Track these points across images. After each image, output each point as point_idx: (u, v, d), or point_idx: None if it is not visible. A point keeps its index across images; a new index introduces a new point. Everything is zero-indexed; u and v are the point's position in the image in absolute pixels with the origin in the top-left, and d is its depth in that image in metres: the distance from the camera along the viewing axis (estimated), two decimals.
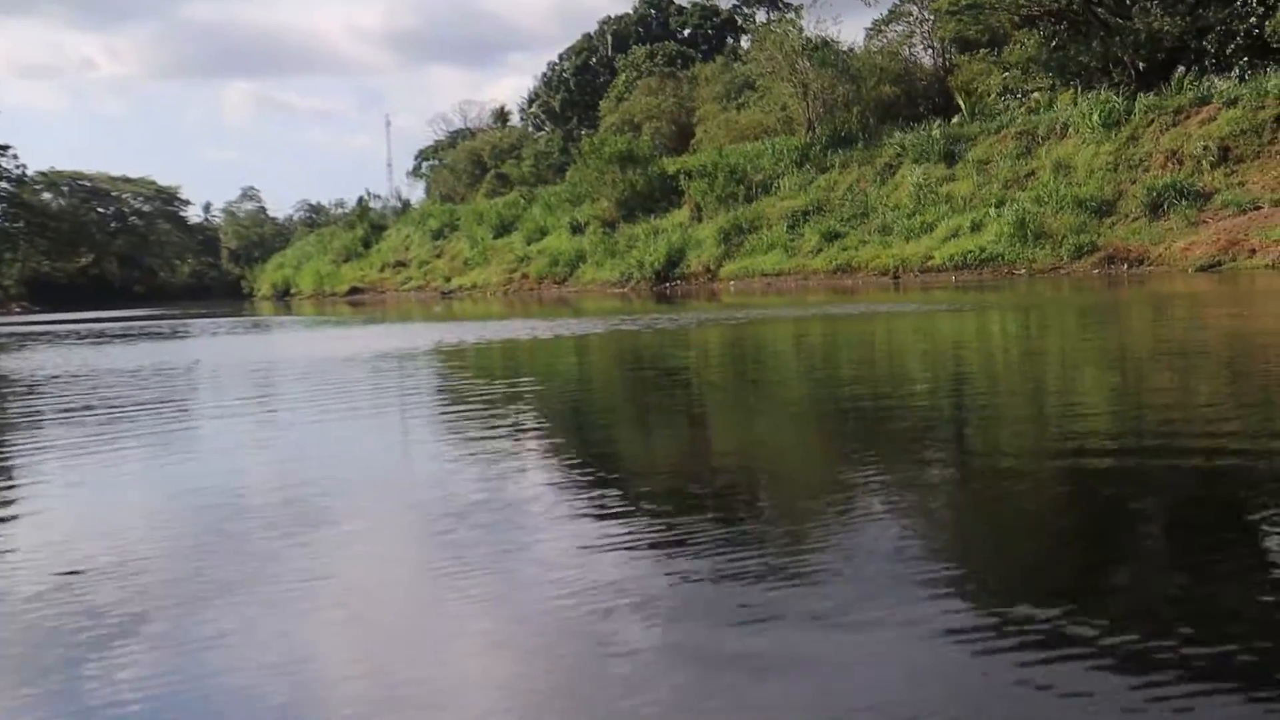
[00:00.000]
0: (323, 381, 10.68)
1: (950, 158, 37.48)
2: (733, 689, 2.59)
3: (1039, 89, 40.47)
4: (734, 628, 2.97)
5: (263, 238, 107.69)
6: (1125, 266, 27.39)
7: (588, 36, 78.23)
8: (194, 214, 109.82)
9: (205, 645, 3.04)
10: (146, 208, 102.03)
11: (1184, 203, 28.73)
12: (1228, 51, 35.77)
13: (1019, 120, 37.47)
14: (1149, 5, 36.75)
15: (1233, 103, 31.12)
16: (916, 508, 4.28)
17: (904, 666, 2.68)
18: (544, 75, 79.70)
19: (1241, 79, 32.89)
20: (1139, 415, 6.45)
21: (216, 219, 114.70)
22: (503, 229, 56.18)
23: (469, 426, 7.10)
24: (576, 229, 49.29)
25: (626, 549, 3.79)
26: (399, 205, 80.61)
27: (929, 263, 31.94)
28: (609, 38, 76.38)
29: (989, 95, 42.10)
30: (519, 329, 18.44)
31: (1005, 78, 41.90)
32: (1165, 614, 2.97)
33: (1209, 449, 5.07)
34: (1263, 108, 30.23)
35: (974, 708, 2.45)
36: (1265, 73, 32.41)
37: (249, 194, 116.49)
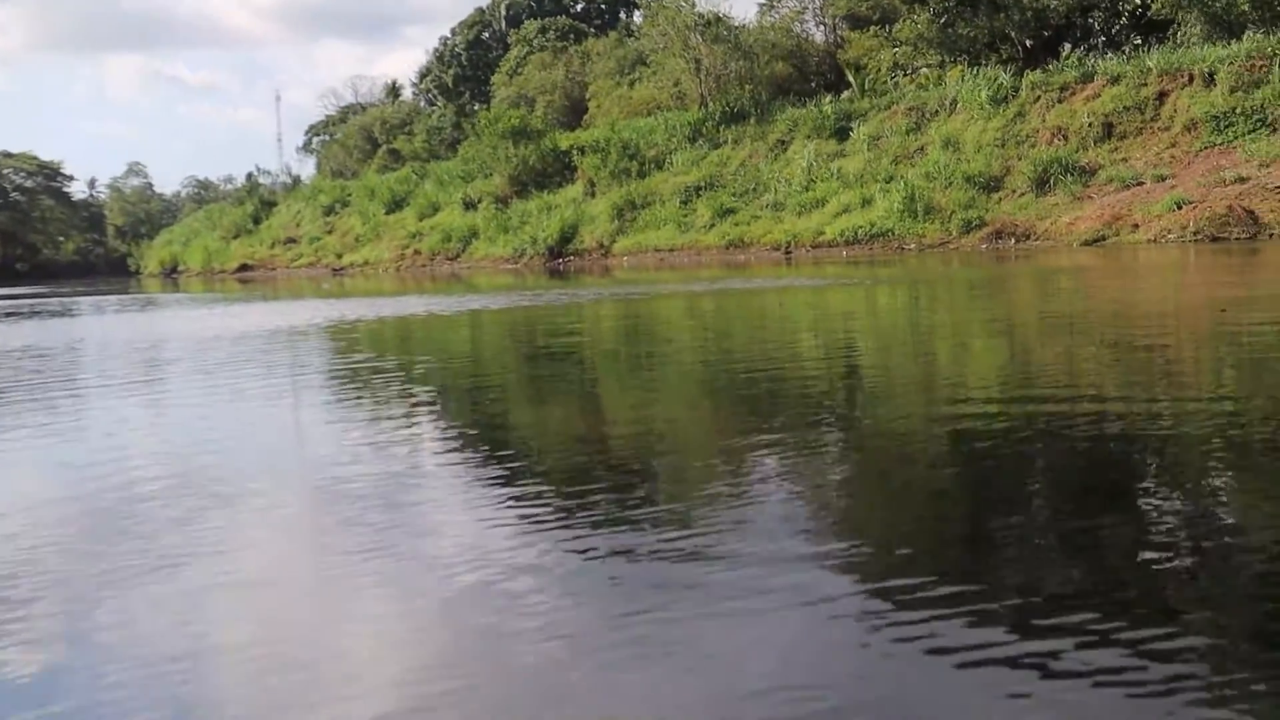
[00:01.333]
0: (214, 360, 10.38)
1: (842, 134, 37.75)
2: (627, 670, 2.53)
3: (929, 65, 40.87)
4: (630, 606, 2.90)
5: (149, 214, 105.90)
6: (1012, 241, 27.73)
7: (481, 10, 77.65)
8: (78, 190, 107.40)
9: (93, 633, 2.90)
10: (28, 183, 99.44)
11: (1069, 178, 29.16)
12: (1113, 29, 36.36)
13: (909, 96, 37.85)
14: None
15: (1116, 80, 31.61)
16: (811, 481, 4.22)
17: (801, 642, 2.63)
18: (436, 50, 79.01)
19: (1126, 57, 33.41)
20: (1026, 386, 6.45)
21: (102, 195, 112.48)
22: (395, 205, 55.72)
23: (363, 404, 6.94)
24: (469, 205, 48.97)
25: (522, 527, 3.69)
26: (289, 181, 79.50)
27: (820, 238, 32.11)
28: (503, 11, 75.85)
29: (880, 72, 42.42)
30: (412, 305, 18.19)
31: (896, 54, 42.23)
32: (1055, 581, 2.95)
33: (1092, 416, 5.09)
34: (1145, 85, 30.75)
35: (870, 682, 2.40)
36: (1149, 50, 32.97)
37: (135, 169, 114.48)
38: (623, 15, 74.89)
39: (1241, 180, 25.42)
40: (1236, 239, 23.11)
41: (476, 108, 65.01)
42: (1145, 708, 2.23)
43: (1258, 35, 29.88)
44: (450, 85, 74.82)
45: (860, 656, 2.53)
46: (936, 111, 35.82)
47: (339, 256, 55.11)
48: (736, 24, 47.39)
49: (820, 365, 7.92)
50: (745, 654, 2.59)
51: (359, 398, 7.26)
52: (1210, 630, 2.59)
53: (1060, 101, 32.39)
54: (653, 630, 2.73)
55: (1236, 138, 27.73)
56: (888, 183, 32.61)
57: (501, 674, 2.56)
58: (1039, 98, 32.96)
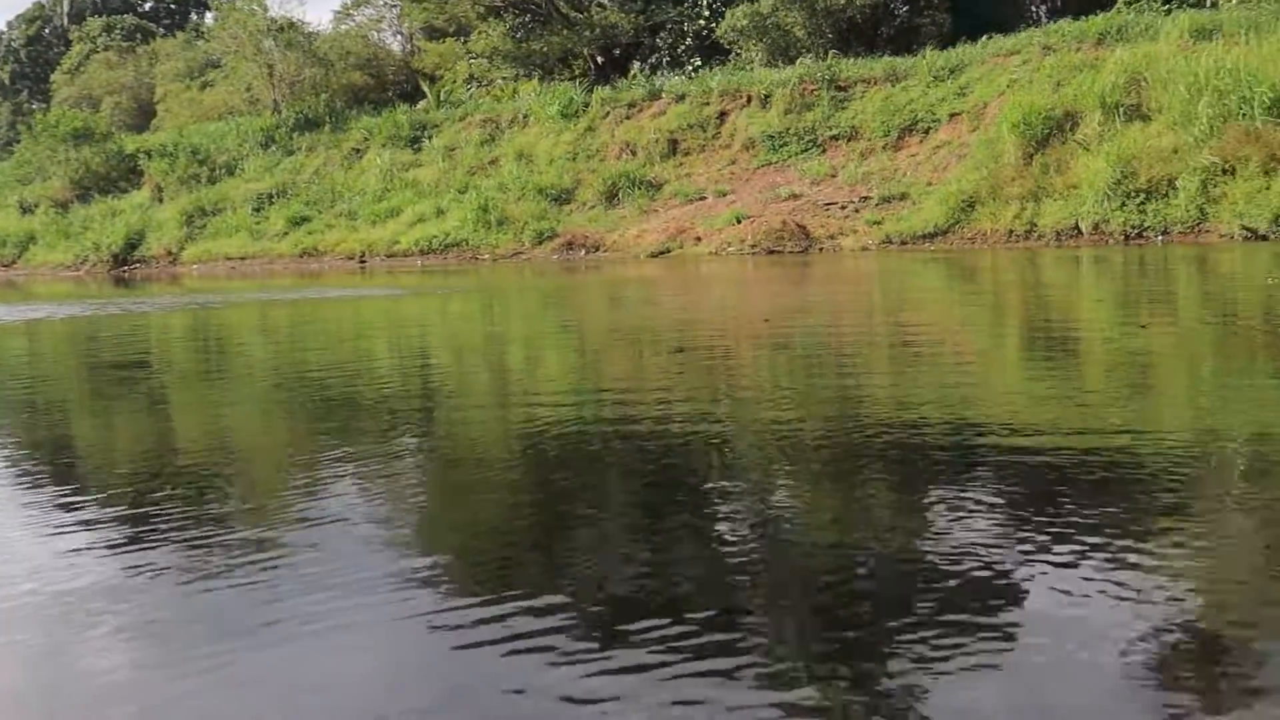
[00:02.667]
0: None
1: (416, 143, 37.60)
2: (205, 700, 2.42)
3: (504, 78, 41.33)
4: (207, 635, 2.78)
5: None
6: (583, 252, 28.34)
7: (40, 4, 73.11)
8: None
9: None
10: None
11: (637, 192, 30.08)
12: (679, 50, 37.84)
13: (484, 108, 38.09)
14: (605, 1, 38.27)
15: (681, 98, 32.88)
16: (388, 495, 4.16)
17: (386, 665, 2.58)
18: None
19: (690, 76, 34.83)
20: (597, 392, 6.62)
21: None
22: None
23: None
24: (26, 209, 45.79)
25: (86, 551, 3.50)
26: None
27: (395, 247, 31.86)
28: (65, 7, 71.62)
29: (455, 83, 42.59)
30: None
31: (471, 66, 42.50)
32: (626, 581, 3.02)
33: (659, 420, 5.25)
34: (708, 104, 32.13)
35: (456, 702, 2.39)
36: (712, 71, 34.49)
37: None
38: (194, 16, 72.14)
39: (795, 197, 26.97)
40: (790, 252, 24.44)
41: (35, 107, 61.09)
42: (715, 695, 2.31)
43: (807, 60, 31.74)
44: (7, 82, 70.11)
45: (446, 669, 2.53)
46: (510, 124, 36.23)
47: None
48: (311, 30, 46.52)
49: (396, 376, 7.85)
50: (331, 679, 2.52)
51: None
52: (768, 625, 2.70)
53: (629, 118, 33.38)
54: (239, 652, 2.65)
55: (790, 157, 29.38)
56: (462, 193, 32.70)
57: (62, 702, 2.44)
58: (609, 113, 33.87)
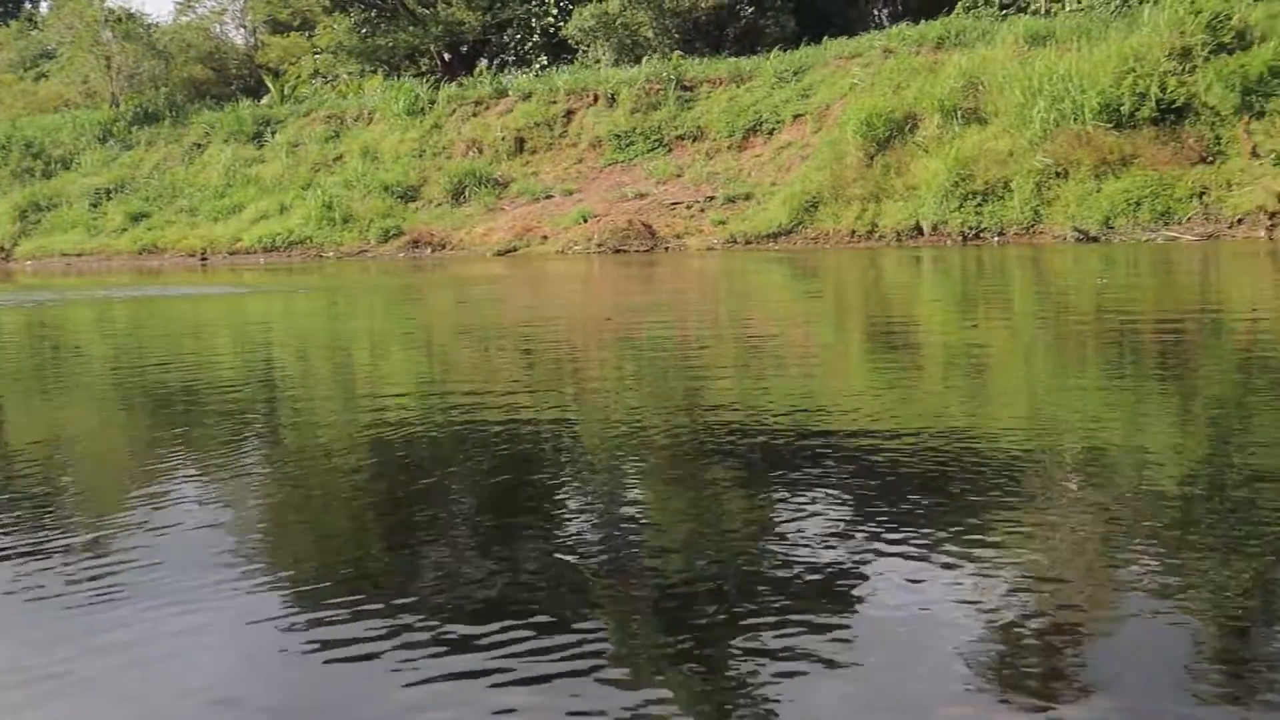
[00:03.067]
0: None
1: (259, 139, 36.95)
2: (44, 710, 2.39)
3: (349, 74, 40.83)
4: (41, 638, 2.74)
5: None
6: (429, 250, 28.13)
7: None
8: None
9: None
10: None
11: (484, 190, 29.95)
12: (526, 48, 37.77)
13: (329, 104, 37.58)
14: None
15: (528, 96, 32.82)
16: (232, 497, 4.09)
17: (238, 662, 2.57)
18: None
19: (537, 74, 34.77)
20: (443, 390, 6.58)
21: None
22: None
23: None
24: None
25: None
26: None
27: (238, 244, 31.27)
28: None
29: (300, 78, 41.94)
30: None
31: (316, 61, 41.90)
32: (471, 595, 2.97)
33: (505, 418, 5.25)
34: (555, 102, 32.13)
35: (292, 696, 2.40)
36: (558, 69, 34.47)
37: None
38: (27, 4, 69.83)
39: (641, 196, 27.08)
40: (636, 251, 24.55)
41: None
42: (543, 701, 2.31)
43: (654, 60, 31.92)
44: None
45: (289, 671, 2.51)
46: (355, 120, 35.80)
47: None
48: (151, 22, 45.38)
49: (238, 377, 7.67)
50: (155, 690, 2.46)
51: None
52: (610, 626, 2.70)
53: (475, 115, 33.21)
54: (75, 649, 2.64)
55: (637, 156, 29.52)
56: (306, 190, 32.21)
57: None
58: (455, 110, 33.66)
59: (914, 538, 3.24)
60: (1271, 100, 20.02)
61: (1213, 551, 3.05)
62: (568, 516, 3.63)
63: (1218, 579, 2.86)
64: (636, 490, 4.00)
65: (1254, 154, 19.68)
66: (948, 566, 3.00)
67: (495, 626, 2.70)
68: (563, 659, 2.50)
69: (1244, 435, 4.46)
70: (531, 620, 2.72)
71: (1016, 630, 2.60)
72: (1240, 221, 18.87)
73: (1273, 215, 18.56)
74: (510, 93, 33.42)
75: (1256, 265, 13.87)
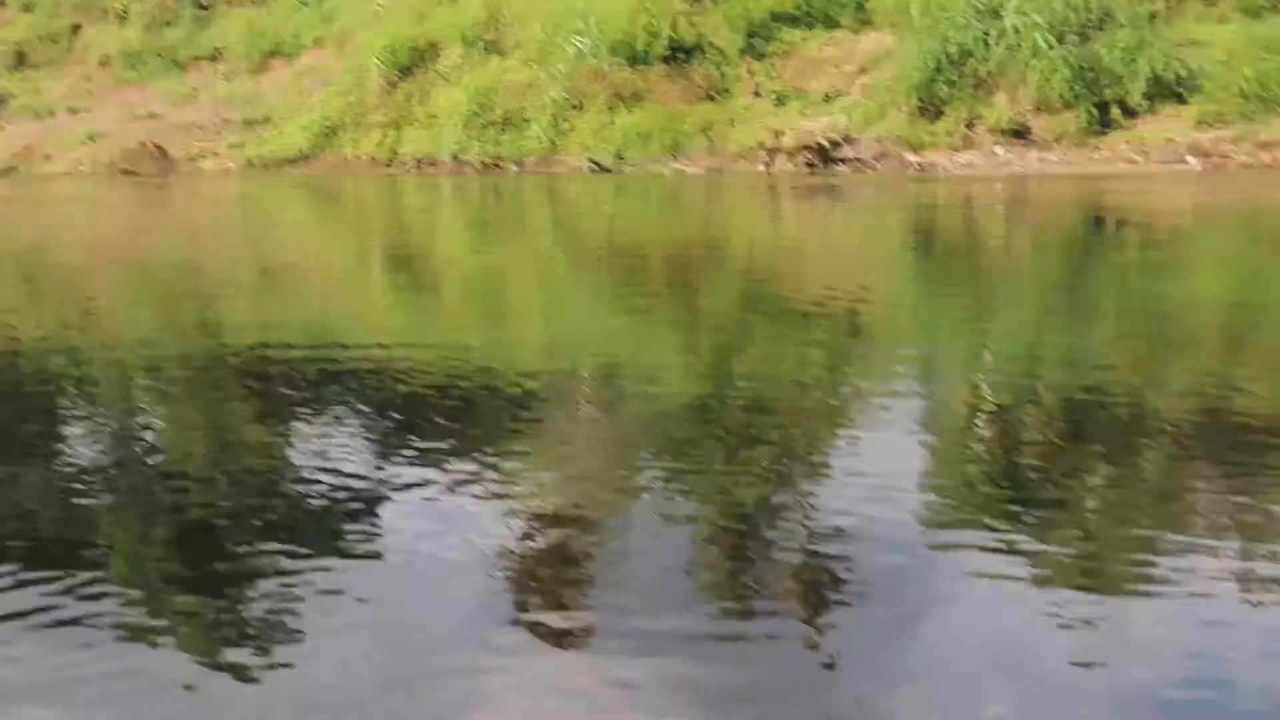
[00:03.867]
0: None
1: None
2: None
3: None
4: None
5: None
6: None
7: None
8: None
9: None
10: None
11: None
12: None
13: None
14: None
15: (30, 8, 30.74)
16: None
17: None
18: None
19: None
20: None
21: None
22: None
23: None
24: None
25: None
26: None
27: None
28: None
29: None
30: None
31: None
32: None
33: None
34: (59, 15, 30.26)
35: None
36: None
37: None
38: None
39: (154, 117, 26.07)
40: (148, 174, 23.67)
41: None
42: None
43: None
44: None
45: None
46: None
47: None
48: None
49: None
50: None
51: None
52: (123, 560, 2.80)
53: None
54: None
55: (149, 76, 28.30)
56: None
57: None
58: None
59: (440, 459, 3.46)
60: (771, 43, 21.54)
61: (712, 465, 3.40)
62: (77, 447, 3.65)
63: (718, 491, 3.19)
64: (152, 419, 4.01)
65: (755, 93, 21.13)
66: (473, 485, 3.22)
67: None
68: (68, 594, 2.56)
69: (740, 356, 4.93)
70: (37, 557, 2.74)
71: (542, 543, 2.83)
72: (742, 157, 20.23)
73: (771, 151, 20.00)
74: (8, 3, 31.17)
75: (754, 198, 15.01)
